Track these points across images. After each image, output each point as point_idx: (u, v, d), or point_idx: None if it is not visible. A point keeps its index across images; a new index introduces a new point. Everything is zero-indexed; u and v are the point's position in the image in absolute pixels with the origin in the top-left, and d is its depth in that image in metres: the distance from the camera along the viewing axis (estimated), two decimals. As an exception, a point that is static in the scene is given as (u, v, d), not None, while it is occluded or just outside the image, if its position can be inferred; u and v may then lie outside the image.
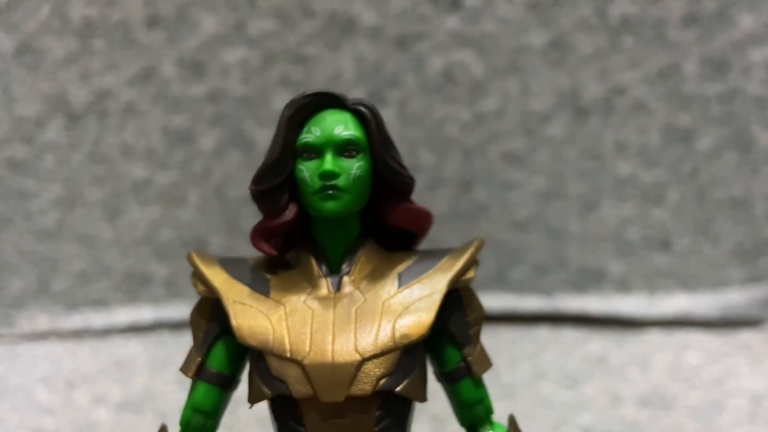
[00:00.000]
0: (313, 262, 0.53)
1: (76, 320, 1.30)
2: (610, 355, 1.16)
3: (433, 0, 1.19)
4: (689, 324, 1.24)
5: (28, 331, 1.29)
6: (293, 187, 0.53)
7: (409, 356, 0.50)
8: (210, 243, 1.31)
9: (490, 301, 1.26)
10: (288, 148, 0.52)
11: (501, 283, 1.29)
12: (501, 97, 1.23)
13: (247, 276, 0.54)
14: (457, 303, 0.54)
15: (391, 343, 0.49)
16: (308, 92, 0.53)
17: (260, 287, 0.53)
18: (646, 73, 1.21)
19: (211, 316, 0.54)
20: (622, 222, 1.28)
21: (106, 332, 1.29)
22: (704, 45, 1.20)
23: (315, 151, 0.51)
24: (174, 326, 1.29)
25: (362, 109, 0.52)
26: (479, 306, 0.56)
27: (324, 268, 0.53)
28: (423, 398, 0.52)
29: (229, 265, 0.55)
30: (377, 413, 0.50)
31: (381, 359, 0.49)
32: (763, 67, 1.20)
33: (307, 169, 0.51)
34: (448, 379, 0.55)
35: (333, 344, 0.49)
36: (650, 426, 0.96)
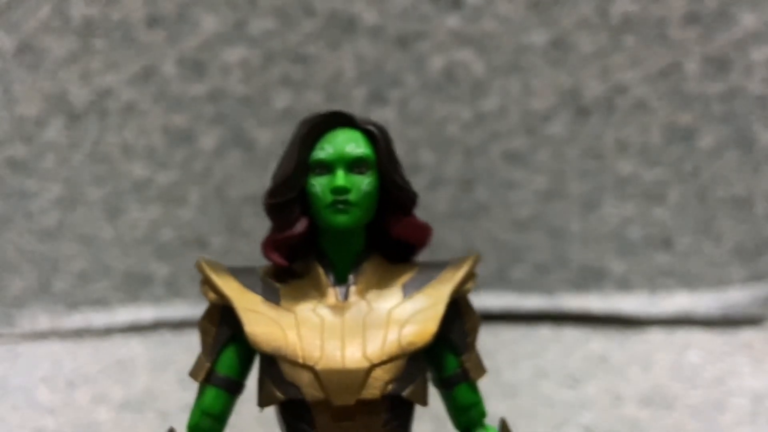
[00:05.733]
0: (322, 272, 0.55)
1: (77, 320, 1.30)
2: (612, 355, 1.16)
3: (433, -1, 1.20)
4: (690, 323, 1.24)
5: (29, 331, 1.29)
6: (304, 201, 0.55)
7: (414, 362, 0.53)
8: (210, 243, 1.31)
9: (491, 300, 1.26)
10: (301, 164, 0.54)
11: (502, 282, 1.29)
12: (502, 96, 1.23)
13: (258, 285, 0.55)
14: (456, 313, 0.56)
15: (398, 351, 0.52)
16: (321, 112, 0.55)
17: (271, 296, 0.55)
18: (647, 72, 1.21)
19: (220, 322, 0.56)
20: (623, 221, 1.28)
21: (107, 332, 1.29)
22: (705, 44, 1.20)
23: (327, 167, 0.53)
24: (175, 326, 1.29)
25: (372, 128, 0.55)
26: (476, 316, 0.58)
27: (332, 278, 0.55)
28: (425, 402, 0.55)
29: (239, 274, 0.56)
30: (384, 416, 0.53)
31: (389, 365, 0.52)
32: (765, 65, 1.20)
33: (318, 184, 0.53)
34: (446, 385, 0.58)
35: (343, 351, 0.52)
36: (651, 425, 0.96)
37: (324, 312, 0.53)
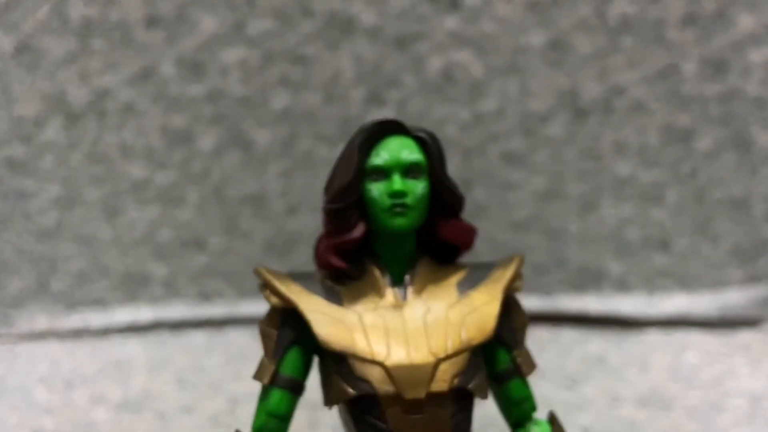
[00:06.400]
0: (378, 274, 0.58)
1: (75, 320, 1.30)
2: (609, 356, 1.16)
3: (432, 0, 1.20)
4: (688, 324, 1.24)
5: (27, 331, 1.29)
6: (360, 206, 0.57)
7: (476, 357, 0.56)
8: (209, 243, 1.31)
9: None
10: (360, 171, 0.56)
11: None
12: (500, 97, 1.23)
13: (319, 288, 0.58)
14: (506, 310, 0.60)
15: (460, 346, 0.55)
16: (376, 121, 0.57)
17: (333, 297, 0.57)
18: (645, 74, 1.21)
19: (282, 325, 0.58)
20: (622, 222, 1.28)
21: (105, 332, 1.29)
22: (703, 45, 1.20)
23: (383, 173, 0.56)
24: (173, 326, 1.29)
25: (423, 135, 0.58)
26: (524, 313, 0.62)
27: (388, 279, 0.58)
28: (486, 395, 0.57)
29: (299, 278, 0.59)
30: (451, 408, 0.55)
31: (454, 360, 0.54)
32: (762, 67, 1.20)
33: (376, 189, 0.56)
34: (499, 380, 0.60)
35: (408, 347, 0.54)
36: (649, 426, 0.96)
37: (385, 311, 0.56)
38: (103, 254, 1.31)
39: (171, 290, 1.32)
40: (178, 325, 1.29)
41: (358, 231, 0.57)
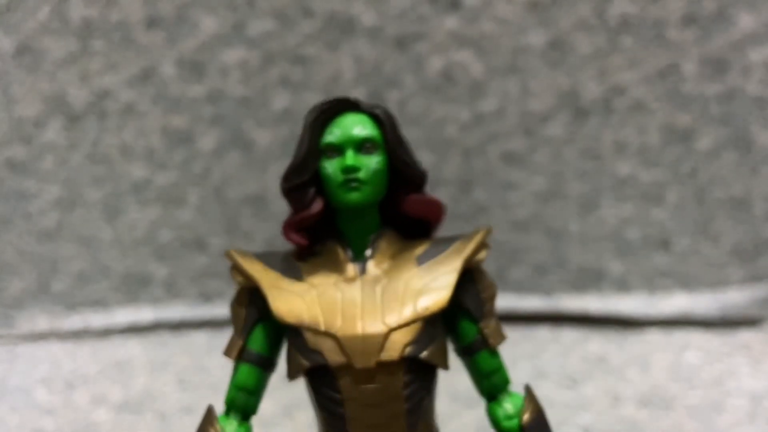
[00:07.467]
0: (340, 249, 0.59)
1: (76, 321, 1.30)
2: (610, 355, 1.16)
3: (432, 0, 1.20)
4: (689, 324, 1.24)
5: (28, 332, 1.29)
6: (319, 183, 0.58)
7: (430, 327, 0.56)
8: (209, 243, 1.31)
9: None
10: (313, 149, 0.58)
11: (501, 283, 1.28)
12: (500, 97, 1.23)
13: (280, 265, 0.60)
14: (471, 281, 0.60)
15: (413, 316, 0.56)
16: (328, 99, 0.59)
17: (293, 273, 0.59)
18: (645, 73, 1.21)
19: (249, 303, 0.60)
20: (622, 222, 1.28)
21: (106, 333, 1.29)
22: (703, 45, 1.20)
23: (337, 150, 0.58)
24: (173, 326, 1.29)
25: (377, 111, 0.59)
26: (491, 284, 0.62)
27: (350, 254, 0.59)
28: (445, 365, 0.58)
29: (263, 256, 0.61)
30: (404, 378, 0.56)
31: (406, 329, 0.55)
32: (762, 66, 1.20)
33: (330, 166, 0.57)
34: (467, 353, 0.61)
35: (363, 318, 0.55)
36: (650, 426, 0.97)
37: (344, 285, 0.57)
38: (104, 255, 1.31)
39: (171, 291, 1.32)
40: (178, 326, 1.29)
41: (316, 207, 0.58)
